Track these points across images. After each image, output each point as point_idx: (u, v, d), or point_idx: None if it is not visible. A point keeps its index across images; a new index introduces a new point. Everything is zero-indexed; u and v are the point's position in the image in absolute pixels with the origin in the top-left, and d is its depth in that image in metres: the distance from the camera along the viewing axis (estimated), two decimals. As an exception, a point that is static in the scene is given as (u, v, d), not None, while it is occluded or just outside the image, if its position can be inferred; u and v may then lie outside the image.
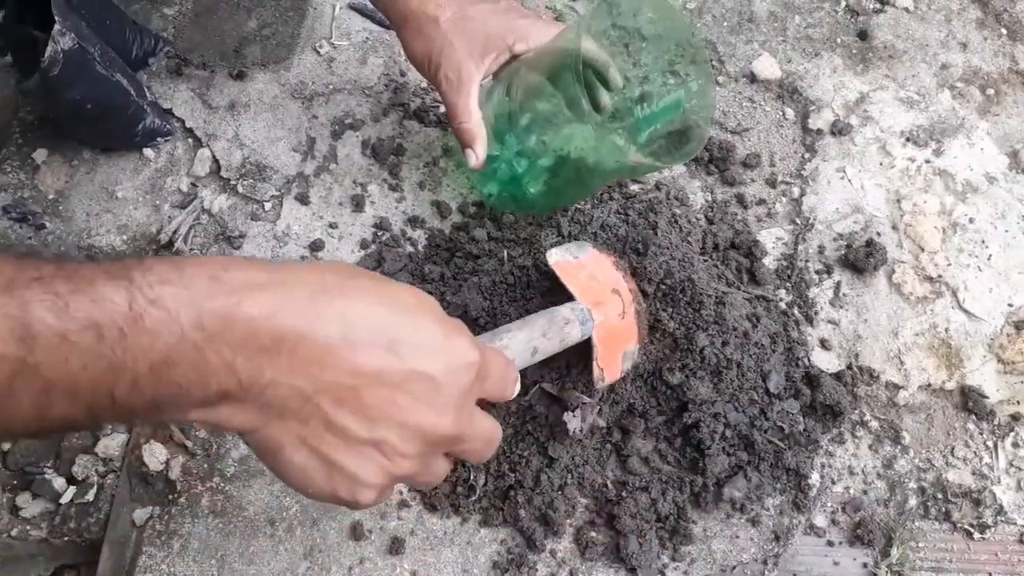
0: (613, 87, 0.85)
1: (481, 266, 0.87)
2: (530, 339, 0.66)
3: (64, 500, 0.82)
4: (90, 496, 0.82)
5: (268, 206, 0.96)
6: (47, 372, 0.39)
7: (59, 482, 0.83)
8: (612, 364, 0.75)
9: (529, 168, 0.86)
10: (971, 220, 0.95)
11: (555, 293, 0.77)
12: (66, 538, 0.82)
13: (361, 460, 0.47)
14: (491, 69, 0.82)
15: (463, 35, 0.79)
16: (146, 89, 0.99)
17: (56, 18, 0.82)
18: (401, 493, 0.82)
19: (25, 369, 0.38)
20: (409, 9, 0.80)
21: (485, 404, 0.55)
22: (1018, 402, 0.87)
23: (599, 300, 0.74)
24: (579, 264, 0.76)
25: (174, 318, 0.40)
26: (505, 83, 0.83)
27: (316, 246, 0.93)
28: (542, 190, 0.87)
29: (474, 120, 0.81)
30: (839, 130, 1.00)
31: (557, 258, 0.75)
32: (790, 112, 1.02)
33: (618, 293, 0.76)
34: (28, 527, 0.82)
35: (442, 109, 1.00)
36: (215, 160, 0.98)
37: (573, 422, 0.76)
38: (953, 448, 0.86)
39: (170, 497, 0.82)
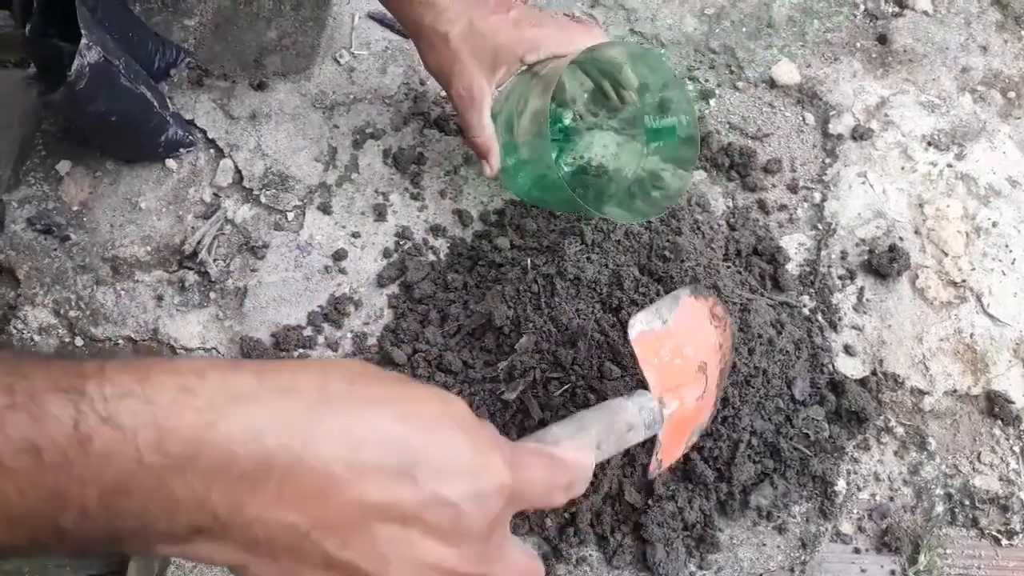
0: (627, 86, 0.87)
1: (504, 274, 0.87)
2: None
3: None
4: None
5: (291, 216, 0.96)
6: None
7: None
8: (674, 450, 0.70)
9: (534, 176, 0.88)
10: (994, 224, 0.95)
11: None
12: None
13: None
14: (503, 81, 0.83)
15: (473, 50, 0.80)
16: (168, 100, 0.99)
17: (83, 32, 0.82)
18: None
19: None
20: (422, 24, 0.81)
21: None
22: (1045, 407, 0.87)
23: (680, 383, 0.66)
24: (666, 333, 0.67)
25: (130, 440, 0.34)
26: (512, 96, 0.84)
27: (339, 255, 0.93)
28: (552, 198, 0.90)
29: (486, 134, 0.83)
30: (860, 135, 1.00)
31: (642, 327, 0.65)
32: (810, 117, 1.02)
33: (704, 369, 0.68)
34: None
35: (462, 118, 1.01)
36: (237, 170, 0.98)
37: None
38: (979, 454, 0.85)
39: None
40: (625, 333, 0.79)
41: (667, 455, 0.68)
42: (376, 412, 0.38)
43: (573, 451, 0.50)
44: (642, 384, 0.65)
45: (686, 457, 0.79)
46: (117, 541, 0.36)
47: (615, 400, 0.63)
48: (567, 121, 0.96)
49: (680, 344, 0.67)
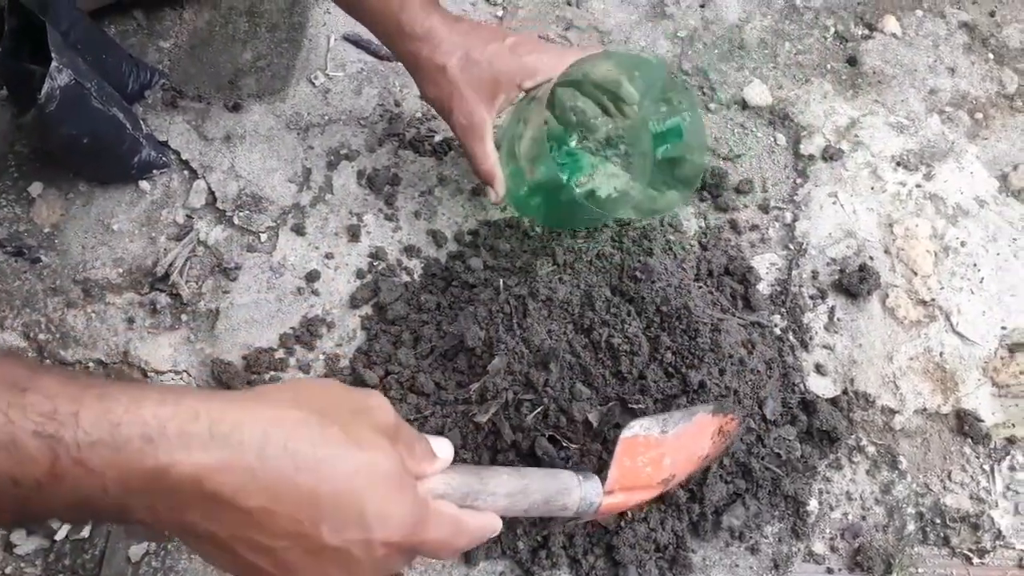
0: (629, 100, 0.88)
1: (477, 295, 0.87)
2: (508, 508, 0.61)
3: (59, 537, 0.82)
4: (85, 532, 0.82)
5: (264, 237, 0.96)
6: None
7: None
8: (600, 519, 0.74)
9: (541, 198, 0.88)
10: (963, 243, 0.96)
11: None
12: (61, 575, 0.81)
13: None
14: (503, 108, 0.84)
15: (471, 80, 0.81)
16: (142, 122, 0.99)
17: (53, 55, 0.82)
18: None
19: None
20: (419, 58, 0.81)
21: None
22: (1013, 425, 0.87)
23: (636, 486, 0.69)
24: (657, 442, 0.70)
25: (97, 478, 0.41)
26: (512, 123, 0.85)
27: (312, 277, 0.93)
28: (557, 218, 0.90)
29: (490, 162, 0.84)
30: (830, 155, 1.01)
31: (638, 430, 0.69)
32: (781, 138, 1.03)
33: (667, 483, 0.72)
34: (23, 564, 0.81)
35: (437, 139, 1.02)
36: (211, 192, 0.98)
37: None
38: (950, 472, 0.86)
39: (166, 533, 0.81)
40: (597, 354, 0.80)
41: (594, 519, 0.71)
42: (300, 469, 0.46)
43: (485, 519, 0.58)
44: (603, 472, 0.68)
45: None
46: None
47: (566, 477, 0.65)
48: (573, 144, 0.97)
49: (662, 455, 0.70)
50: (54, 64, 0.82)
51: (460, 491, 0.57)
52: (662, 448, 0.70)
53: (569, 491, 0.65)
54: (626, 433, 0.67)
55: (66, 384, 0.42)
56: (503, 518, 0.60)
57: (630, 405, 0.78)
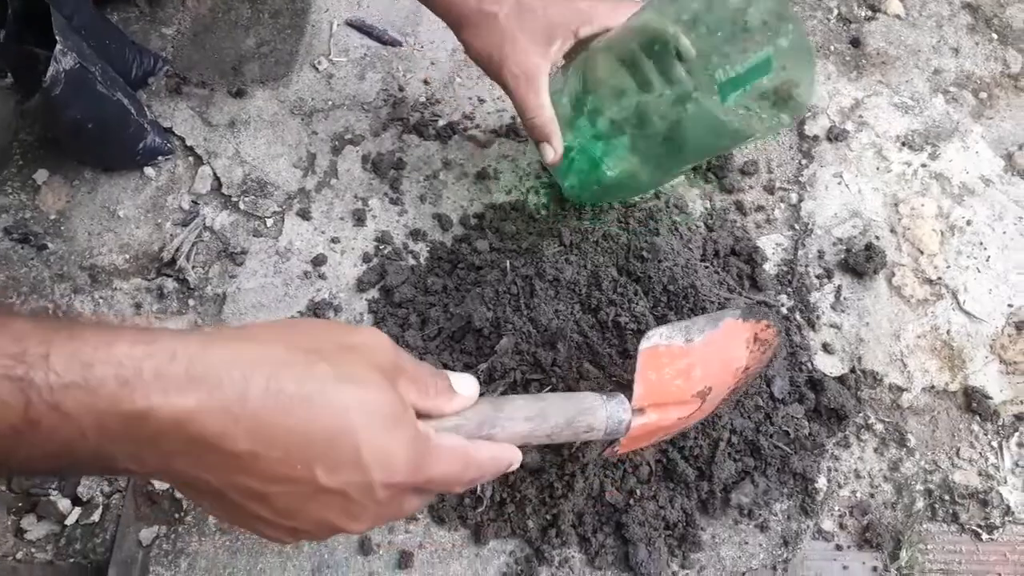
0: (686, 57, 0.76)
1: (484, 277, 0.87)
2: (530, 434, 0.57)
3: (69, 521, 0.82)
4: (95, 517, 0.82)
5: (270, 222, 0.96)
6: None
7: (64, 503, 0.83)
8: (635, 446, 0.68)
9: (607, 150, 0.82)
10: (968, 222, 0.96)
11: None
12: (72, 560, 0.81)
13: (273, 530, 0.48)
14: (557, 58, 0.78)
15: (525, 27, 0.76)
16: (146, 108, 0.99)
17: (57, 38, 0.82)
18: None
19: None
20: (467, 9, 0.77)
21: None
22: (1021, 402, 0.87)
23: (668, 402, 0.64)
24: (683, 351, 0.64)
25: (74, 422, 0.39)
26: (578, 69, 0.79)
27: (318, 261, 0.93)
28: (622, 173, 0.83)
29: (547, 114, 0.77)
30: (835, 136, 1.01)
31: (657, 340, 0.62)
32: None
33: (704, 395, 0.66)
34: (33, 549, 0.81)
35: (441, 123, 1.01)
36: (216, 177, 0.98)
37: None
38: (958, 449, 0.86)
39: (176, 516, 0.82)
40: (604, 333, 0.79)
41: (625, 448, 0.66)
42: (287, 412, 0.43)
43: (497, 448, 0.54)
44: (627, 387, 0.63)
45: (666, 456, 0.80)
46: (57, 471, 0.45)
47: (590, 396, 0.61)
48: (610, 116, 0.84)
49: (691, 365, 0.64)
50: (59, 47, 0.82)
51: (474, 421, 0.54)
52: (689, 358, 0.63)
53: (593, 410, 0.60)
54: (645, 344, 0.61)
55: (36, 326, 0.39)
56: (527, 449, 0.55)
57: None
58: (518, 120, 1.02)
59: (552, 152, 0.79)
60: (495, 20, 0.76)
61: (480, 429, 0.54)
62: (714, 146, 0.82)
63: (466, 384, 0.54)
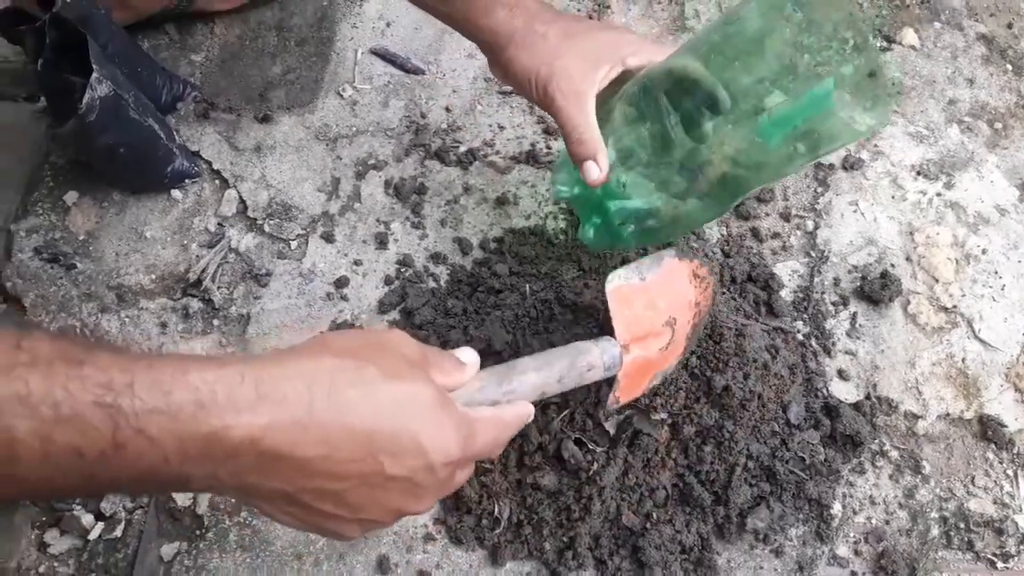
0: (722, 108, 0.74)
1: (503, 300, 0.89)
2: (543, 383, 0.65)
3: (92, 536, 0.83)
4: (118, 532, 0.83)
5: (294, 244, 0.98)
6: (25, 474, 0.41)
7: (87, 518, 0.84)
8: (634, 390, 0.73)
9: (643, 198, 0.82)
10: (984, 251, 0.97)
11: (587, 319, 0.77)
12: (93, 574, 0.82)
13: (343, 525, 0.52)
14: (603, 84, 0.78)
15: (575, 48, 0.77)
16: (175, 133, 1.02)
17: (94, 66, 0.85)
18: (426, 526, 0.82)
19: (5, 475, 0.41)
20: (514, 27, 0.78)
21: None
22: (1037, 431, 0.88)
23: (645, 334, 0.71)
24: (642, 288, 0.72)
25: (157, 446, 0.42)
26: (621, 103, 0.79)
27: (341, 283, 0.95)
28: (640, 230, 0.84)
29: (593, 132, 0.76)
30: (851, 165, 1.02)
31: (620, 281, 0.70)
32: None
33: (672, 324, 0.73)
34: (56, 564, 0.83)
35: (462, 149, 1.03)
36: (242, 200, 1.00)
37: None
38: (973, 477, 0.86)
39: (198, 532, 0.83)
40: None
41: (625, 393, 0.71)
42: (350, 417, 0.48)
43: (518, 408, 0.62)
44: (610, 332, 0.69)
45: (683, 481, 0.80)
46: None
47: (582, 343, 0.68)
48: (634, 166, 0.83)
49: (653, 298, 0.72)
50: (95, 75, 0.85)
51: (494, 381, 0.61)
52: (649, 293, 0.72)
53: (588, 349, 0.67)
54: (609, 286, 0.69)
55: (118, 356, 0.43)
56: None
57: (652, 417, 0.79)
58: (537, 147, 1.04)
59: (597, 170, 0.77)
60: (545, 39, 0.77)
61: (501, 385, 0.61)
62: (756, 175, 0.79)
63: (467, 355, 0.60)
